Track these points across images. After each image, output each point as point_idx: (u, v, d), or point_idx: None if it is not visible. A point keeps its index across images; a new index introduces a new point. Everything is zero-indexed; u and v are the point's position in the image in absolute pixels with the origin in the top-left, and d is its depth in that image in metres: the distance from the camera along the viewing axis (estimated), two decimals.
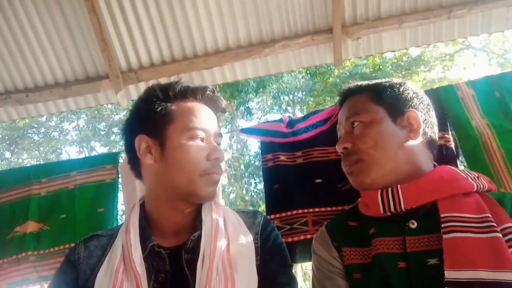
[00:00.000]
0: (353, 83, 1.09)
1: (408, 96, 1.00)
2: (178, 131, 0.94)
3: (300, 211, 1.60)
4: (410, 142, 0.95)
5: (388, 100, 0.98)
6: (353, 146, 0.96)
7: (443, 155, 1.52)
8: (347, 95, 1.07)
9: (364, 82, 1.07)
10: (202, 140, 0.95)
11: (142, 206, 1.00)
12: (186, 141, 0.93)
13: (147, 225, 0.95)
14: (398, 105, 0.98)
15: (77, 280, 0.91)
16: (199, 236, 0.90)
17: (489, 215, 0.80)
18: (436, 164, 0.99)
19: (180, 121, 0.95)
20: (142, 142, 0.95)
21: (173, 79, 2.60)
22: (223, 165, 1.00)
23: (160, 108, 0.95)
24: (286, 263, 0.99)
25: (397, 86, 1.02)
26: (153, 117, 0.95)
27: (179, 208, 0.95)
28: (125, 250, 0.89)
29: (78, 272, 0.91)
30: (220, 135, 1.02)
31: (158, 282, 0.87)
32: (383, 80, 1.06)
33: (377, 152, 0.93)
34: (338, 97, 1.13)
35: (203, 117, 0.98)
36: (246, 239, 0.94)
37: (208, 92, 1.02)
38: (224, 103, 1.06)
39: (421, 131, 0.96)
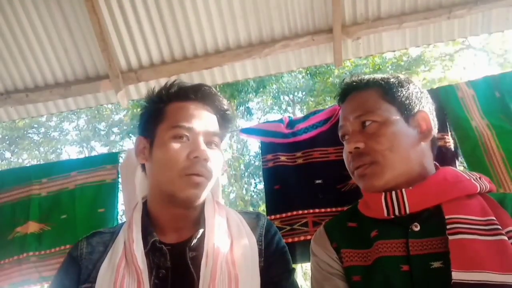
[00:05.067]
0: (357, 77, 1.02)
1: (418, 95, 0.97)
2: (165, 130, 0.94)
3: (300, 211, 1.61)
4: (421, 144, 0.93)
5: (399, 98, 0.94)
6: (366, 146, 0.91)
7: (443, 156, 1.52)
8: (353, 90, 1.00)
9: (371, 77, 1.00)
10: (188, 139, 0.92)
11: (145, 204, 1.01)
12: (168, 140, 0.92)
13: (149, 222, 0.95)
14: (410, 104, 0.95)
15: (79, 276, 0.91)
16: (203, 234, 0.91)
17: (494, 218, 0.79)
18: (437, 164, 0.98)
19: (168, 120, 0.95)
20: (139, 143, 0.98)
21: (173, 79, 2.61)
22: (214, 165, 0.94)
23: (153, 109, 0.98)
24: (289, 267, 0.98)
25: (406, 84, 0.98)
26: (147, 118, 0.99)
27: (171, 209, 0.94)
28: (127, 246, 0.89)
29: (81, 268, 0.92)
30: (214, 134, 0.97)
31: (159, 278, 0.87)
32: (390, 76, 1.00)
33: (393, 154, 0.88)
34: (340, 91, 1.04)
35: (192, 115, 0.94)
36: (250, 240, 0.94)
37: (202, 90, 0.99)
38: (223, 102, 1.02)
39: (432, 133, 0.94)
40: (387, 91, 0.95)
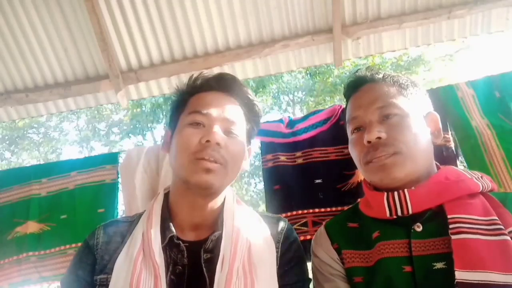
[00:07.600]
0: (372, 69, 1.01)
1: (426, 98, 0.99)
2: (183, 118, 0.96)
3: (300, 211, 1.60)
4: (431, 143, 0.94)
5: (416, 97, 0.96)
6: (388, 137, 0.89)
7: (443, 155, 1.52)
8: (368, 81, 0.98)
9: (386, 73, 0.99)
10: (203, 125, 0.92)
11: (167, 195, 1.00)
12: (184, 126, 0.93)
13: (168, 215, 0.94)
14: (423, 104, 0.97)
15: (94, 265, 0.90)
16: (220, 237, 0.89)
17: (496, 218, 0.79)
18: (438, 164, 0.98)
19: (188, 109, 0.96)
20: (165, 135, 1.02)
21: (173, 79, 2.63)
22: (232, 153, 0.91)
23: (178, 100, 1.01)
24: (305, 277, 0.97)
25: (418, 85, 0.99)
26: (172, 110, 1.02)
27: (189, 197, 0.93)
28: (145, 239, 0.88)
29: (96, 258, 0.91)
30: (233, 122, 0.94)
31: (176, 274, 0.86)
32: (403, 75, 1.00)
33: (416, 147, 0.88)
34: (352, 80, 1.02)
35: (209, 103, 0.94)
36: (269, 246, 0.92)
37: (223, 80, 0.99)
38: (247, 92, 1.00)
39: (442, 135, 0.95)
40: (405, 88, 0.96)
